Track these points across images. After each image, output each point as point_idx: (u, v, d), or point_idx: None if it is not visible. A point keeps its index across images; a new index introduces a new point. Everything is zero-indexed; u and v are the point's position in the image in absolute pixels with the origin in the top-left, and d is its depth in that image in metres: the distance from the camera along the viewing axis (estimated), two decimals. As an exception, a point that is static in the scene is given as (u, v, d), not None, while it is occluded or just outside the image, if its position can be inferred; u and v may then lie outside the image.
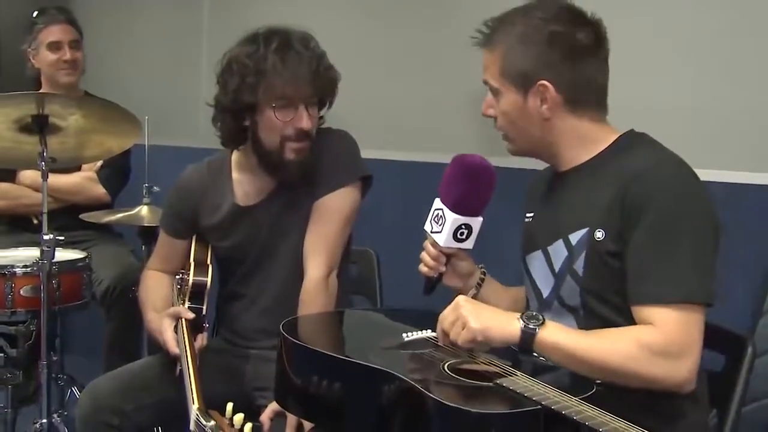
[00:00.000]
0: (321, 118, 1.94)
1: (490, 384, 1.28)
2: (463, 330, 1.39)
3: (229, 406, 1.38)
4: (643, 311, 1.38)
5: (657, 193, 1.40)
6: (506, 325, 1.39)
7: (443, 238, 1.56)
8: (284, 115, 1.83)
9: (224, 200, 2.00)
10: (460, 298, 1.45)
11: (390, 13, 2.95)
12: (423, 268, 1.64)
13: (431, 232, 1.59)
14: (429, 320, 1.56)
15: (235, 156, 2.03)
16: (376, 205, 2.21)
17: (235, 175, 2.01)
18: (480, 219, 1.56)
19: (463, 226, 1.55)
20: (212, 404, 1.53)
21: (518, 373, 1.31)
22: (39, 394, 2.19)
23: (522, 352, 1.39)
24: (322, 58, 1.88)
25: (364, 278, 2.29)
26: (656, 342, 1.34)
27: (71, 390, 2.64)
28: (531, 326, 1.37)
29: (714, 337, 1.58)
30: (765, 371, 1.92)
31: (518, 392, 1.23)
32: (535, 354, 1.39)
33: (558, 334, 1.37)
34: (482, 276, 1.69)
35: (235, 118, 1.88)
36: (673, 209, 1.39)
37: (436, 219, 1.57)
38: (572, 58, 1.48)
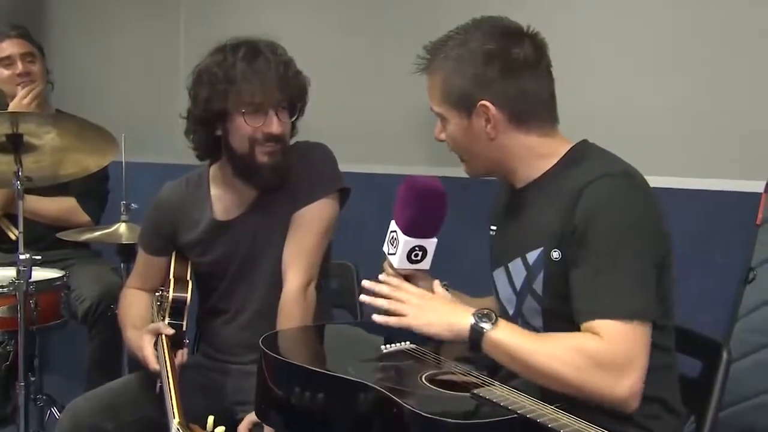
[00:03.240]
0: (294, 126, 1.95)
1: (468, 394, 1.29)
2: (403, 315, 1.43)
3: (210, 419, 1.38)
4: (589, 327, 1.34)
5: (599, 209, 1.37)
6: (456, 321, 1.39)
7: (397, 260, 1.55)
8: (254, 121, 1.84)
9: (202, 216, 2.00)
10: (438, 288, 1.50)
11: (370, 27, 2.97)
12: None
13: (387, 253, 1.59)
14: (407, 332, 1.57)
15: (212, 171, 2.03)
16: (356, 219, 2.22)
17: (213, 190, 2.01)
18: (434, 240, 1.55)
19: (416, 248, 1.54)
20: (193, 420, 1.53)
21: (495, 383, 1.32)
22: (16, 416, 2.17)
23: (472, 350, 1.38)
24: (290, 63, 1.89)
25: (343, 291, 2.29)
26: (598, 351, 1.31)
27: (51, 410, 2.61)
28: (481, 324, 1.36)
29: (690, 343, 1.60)
30: (741, 376, 1.94)
31: (495, 401, 1.24)
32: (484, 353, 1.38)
33: (505, 334, 1.35)
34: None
35: (207, 128, 1.90)
36: (615, 225, 1.36)
37: (391, 241, 1.56)
38: (510, 74, 1.46)
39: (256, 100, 1.83)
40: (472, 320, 1.37)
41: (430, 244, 1.55)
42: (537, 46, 1.50)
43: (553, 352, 1.33)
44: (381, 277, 1.59)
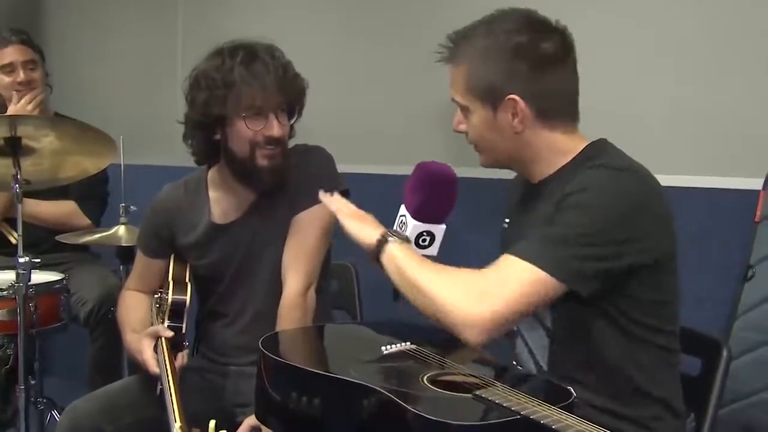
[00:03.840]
0: (292, 127, 1.95)
1: (470, 395, 1.28)
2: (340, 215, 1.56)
3: (212, 423, 1.38)
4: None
5: (575, 191, 1.37)
6: (370, 231, 1.49)
7: None
8: (254, 125, 1.84)
9: (201, 219, 2.00)
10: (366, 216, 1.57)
11: (369, 28, 2.97)
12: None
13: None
14: (408, 333, 1.57)
15: (211, 174, 2.03)
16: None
17: (212, 193, 2.01)
18: (442, 227, 1.55)
19: (425, 233, 1.54)
20: (194, 423, 1.53)
21: (497, 383, 1.32)
22: (17, 419, 2.17)
23: (372, 260, 1.47)
24: (289, 66, 1.89)
25: (343, 292, 2.29)
26: (479, 277, 1.33)
27: (51, 413, 2.61)
28: (385, 239, 1.44)
29: (690, 341, 1.60)
30: (740, 374, 1.95)
31: (497, 403, 1.23)
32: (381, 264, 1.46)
33: (403, 253, 1.43)
34: None
35: (206, 133, 1.90)
36: (582, 198, 1.35)
37: (400, 225, 1.56)
38: (539, 69, 1.44)
39: (256, 104, 1.82)
40: (379, 234, 1.46)
41: (439, 230, 1.54)
42: (565, 41, 1.48)
43: (436, 269, 1.39)
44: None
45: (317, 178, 1.93)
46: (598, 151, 1.49)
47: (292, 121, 1.92)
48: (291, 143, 1.98)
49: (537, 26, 1.47)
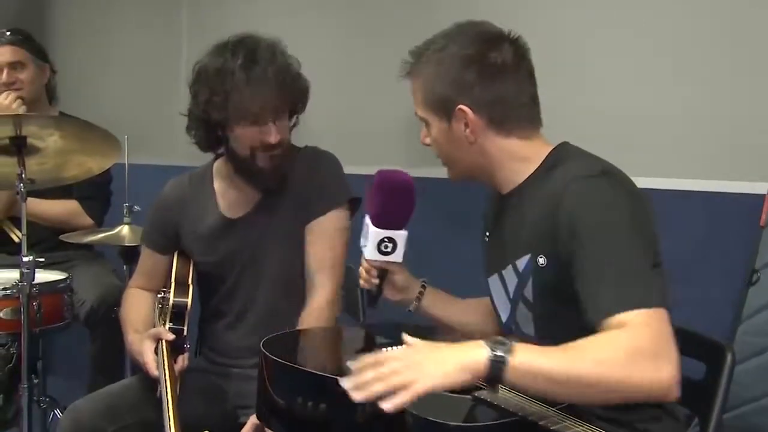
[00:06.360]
0: (295, 124, 1.95)
1: (469, 396, 1.28)
2: (410, 384, 1.19)
3: (205, 433, 1.38)
4: (609, 324, 1.27)
5: (582, 210, 1.35)
6: (468, 358, 1.21)
7: (368, 251, 1.58)
8: (253, 131, 1.84)
9: (207, 211, 2.00)
10: (409, 338, 1.32)
11: (370, 28, 2.97)
12: (361, 282, 1.66)
13: (362, 246, 1.61)
14: (409, 334, 1.57)
15: (217, 165, 2.04)
16: (356, 221, 2.21)
17: (217, 184, 2.02)
18: (403, 233, 1.57)
19: (386, 239, 1.56)
20: (194, 426, 1.53)
21: (497, 385, 1.31)
22: (20, 418, 2.17)
23: (490, 384, 1.22)
24: (289, 68, 1.88)
25: (346, 294, 2.28)
26: (634, 341, 1.23)
27: (54, 412, 2.61)
28: (499, 353, 1.19)
29: (694, 346, 1.59)
30: (744, 379, 1.94)
31: (497, 404, 1.23)
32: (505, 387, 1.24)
33: (529, 356, 1.21)
34: (422, 288, 1.70)
35: (207, 130, 1.91)
36: (603, 223, 1.34)
37: (364, 233, 1.60)
38: (488, 78, 1.46)
39: (253, 112, 1.83)
40: (487, 351, 1.19)
41: (399, 236, 1.57)
42: (517, 50, 1.50)
43: (591, 356, 1.22)
44: (359, 269, 1.62)
45: (332, 186, 1.94)
46: (563, 156, 1.48)
47: (293, 121, 1.93)
48: (295, 139, 1.98)
49: (486, 37, 1.49)
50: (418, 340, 1.31)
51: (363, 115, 2.97)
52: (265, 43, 1.88)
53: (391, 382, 1.19)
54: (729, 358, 1.57)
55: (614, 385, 1.21)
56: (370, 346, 1.62)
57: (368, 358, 1.25)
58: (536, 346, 1.24)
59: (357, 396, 1.20)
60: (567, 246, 1.35)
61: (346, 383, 1.22)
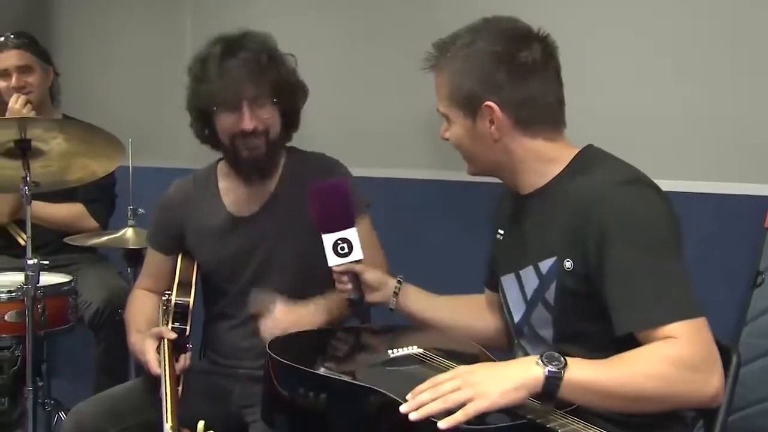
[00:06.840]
0: (292, 120, 1.96)
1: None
2: (469, 402, 1.23)
3: (200, 424, 1.38)
4: (654, 334, 1.29)
5: (618, 217, 1.34)
6: (525, 376, 1.24)
7: (330, 259, 1.65)
8: (230, 119, 1.87)
9: (213, 210, 2.00)
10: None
11: (371, 29, 2.97)
12: (339, 293, 1.71)
13: (327, 257, 1.67)
14: (414, 336, 1.57)
15: (221, 165, 2.05)
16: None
17: (222, 184, 2.03)
18: (352, 229, 1.64)
19: (339, 241, 1.63)
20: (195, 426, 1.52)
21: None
22: (25, 420, 2.17)
23: (544, 399, 1.25)
24: (264, 55, 1.88)
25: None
26: (684, 355, 1.26)
27: (58, 415, 2.61)
28: (554, 369, 1.23)
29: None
30: (749, 380, 1.94)
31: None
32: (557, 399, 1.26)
33: (582, 372, 1.25)
34: (398, 284, 1.71)
35: (198, 120, 1.95)
36: (641, 231, 1.34)
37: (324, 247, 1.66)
38: (517, 77, 1.44)
39: (227, 98, 1.85)
40: (544, 369, 1.24)
41: (349, 233, 1.64)
42: (546, 49, 1.48)
43: (641, 371, 1.26)
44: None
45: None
46: (591, 160, 1.48)
47: (280, 111, 1.91)
48: (295, 140, 1.99)
49: (517, 35, 1.47)
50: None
51: (363, 116, 2.97)
52: (252, 35, 1.90)
53: (449, 399, 1.24)
54: (735, 359, 1.57)
55: (666, 398, 1.27)
56: (376, 347, 1.62)
57: (427, 383, 1.29)
58: (586, 361, 1.28)
59: (414, 416, 1.23)
60: (599, 252, 1.35)
61: (404, 407, 1.25)
